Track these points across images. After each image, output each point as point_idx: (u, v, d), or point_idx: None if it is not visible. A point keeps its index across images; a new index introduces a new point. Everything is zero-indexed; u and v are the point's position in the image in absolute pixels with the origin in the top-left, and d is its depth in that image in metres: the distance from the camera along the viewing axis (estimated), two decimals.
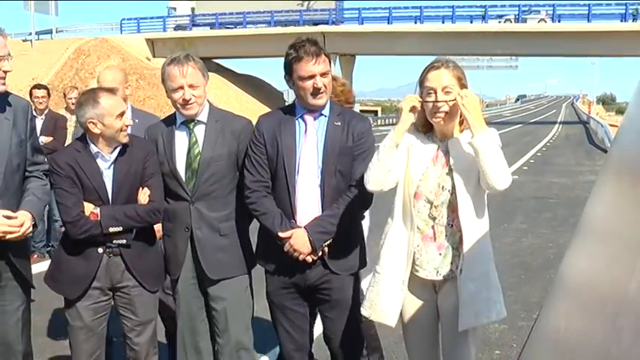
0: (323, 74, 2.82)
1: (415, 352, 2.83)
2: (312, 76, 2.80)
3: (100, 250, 2.91)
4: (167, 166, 3.05)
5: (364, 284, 2.87)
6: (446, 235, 2.61)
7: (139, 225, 2.93)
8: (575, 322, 1.15)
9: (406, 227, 2.64)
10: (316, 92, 2.82)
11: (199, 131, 3.07)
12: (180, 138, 3.08)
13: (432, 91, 2.54)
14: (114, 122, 2.85)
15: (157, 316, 3.16)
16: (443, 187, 2.59)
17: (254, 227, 3.05)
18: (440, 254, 2.62)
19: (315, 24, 44.05)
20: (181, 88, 2.95)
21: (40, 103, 6.89)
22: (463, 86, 2.56)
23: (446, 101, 2.52)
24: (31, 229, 2.83)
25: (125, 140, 2.91)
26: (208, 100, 3.15)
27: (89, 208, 2.88)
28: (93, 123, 2.84)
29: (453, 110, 2.55)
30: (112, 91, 3.09)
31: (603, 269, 1.13)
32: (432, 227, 2.61)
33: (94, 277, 2.91)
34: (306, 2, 46.26)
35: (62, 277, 2.98)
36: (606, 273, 1.08)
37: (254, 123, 3.08)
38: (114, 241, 2.91)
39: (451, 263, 2.62)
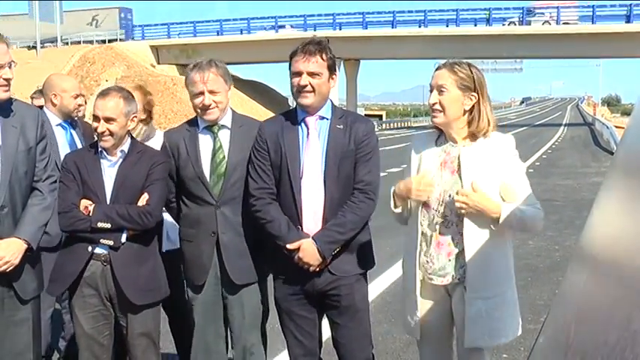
0: (312, 74, 2.81)
1: None
2: (299, 74, 2.81)
3: (90, 248, 2.92)
4: (192, 170, 3.04)
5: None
6: (453, 240, 2.60)
7: (128, 225, 2.91)
8: (585, 325, 1.15)
9: (413, 234, 2.66)
10: (299, 90, 2.82)
11: (224, 136, 3.08)
12: (205, 142, 3.08)
13: (430, 90, 2.62)
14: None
15: (154, 329, 3.10)
16: (449, 194, 2.58)
17: None
18: (449, 260, 2.61)
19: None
20: (202, 93, 2.99)
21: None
22: (466, 88, 2.55)
23: (438, 101, 2.58)
24: (18, 258, 2.80)
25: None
26: (230, 107, 3.16)
27: (85, 203, 2.91)
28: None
29: (446, 108, 2.57)
30: None
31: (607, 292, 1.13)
32: (440, 233, 2.61)
33: (80, 275, 2.92)
34: (95, 22, 47.84)
35: (54, 275, 3.03)
36: (612, 293, 1.08)
37: None
38: (101, 241, 2.90)
39: (461, 267, 2.60)
